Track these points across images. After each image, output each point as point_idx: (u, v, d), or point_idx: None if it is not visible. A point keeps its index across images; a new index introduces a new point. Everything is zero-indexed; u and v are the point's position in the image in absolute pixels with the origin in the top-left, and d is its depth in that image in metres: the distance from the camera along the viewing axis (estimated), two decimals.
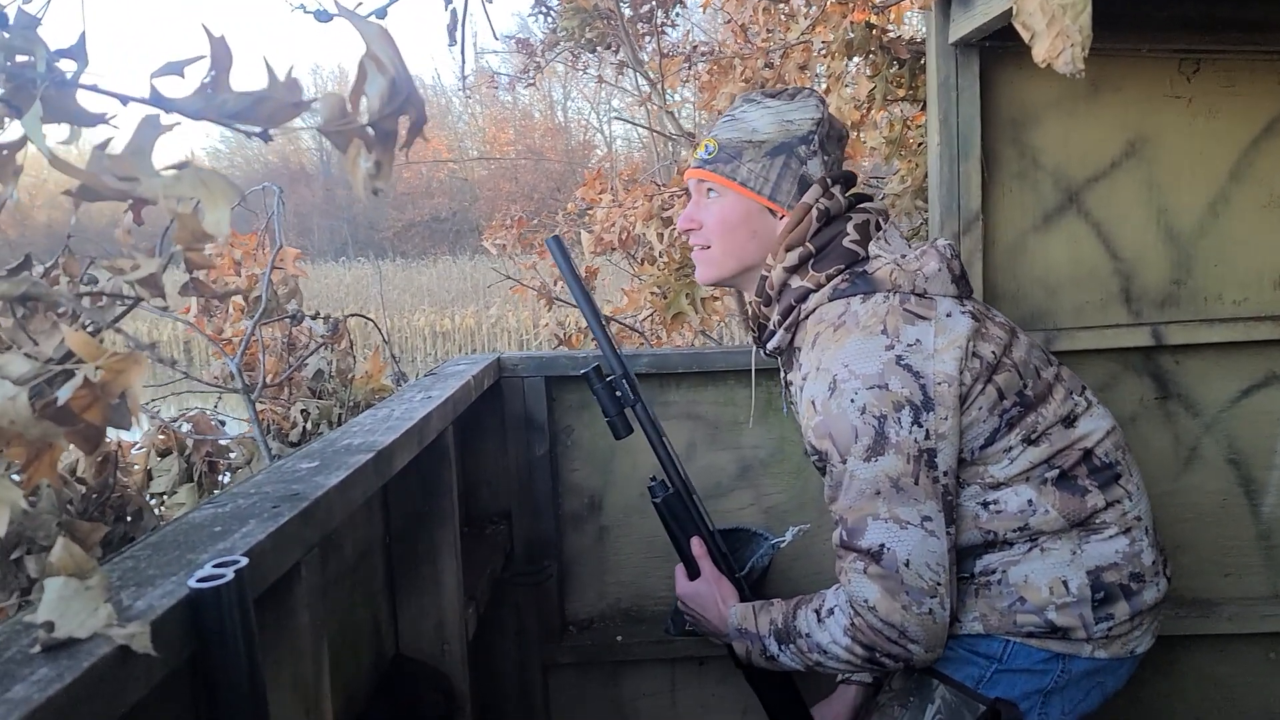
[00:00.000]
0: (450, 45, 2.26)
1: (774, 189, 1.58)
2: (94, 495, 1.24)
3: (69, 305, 0.63)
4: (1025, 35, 1.00)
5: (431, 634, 1.52)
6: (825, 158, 1.60)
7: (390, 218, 30.44)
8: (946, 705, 1.51)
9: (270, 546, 0.85)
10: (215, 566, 0.72)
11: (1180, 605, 2.14)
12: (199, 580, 0.71)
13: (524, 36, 4.51)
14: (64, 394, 0.62)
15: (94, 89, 0.57)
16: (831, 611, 1.49)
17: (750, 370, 2.08)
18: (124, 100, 0.58)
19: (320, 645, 0.98)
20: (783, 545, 1.99)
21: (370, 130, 0.64)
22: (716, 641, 1.76)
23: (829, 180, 1.57)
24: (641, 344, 2.92)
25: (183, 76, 0.64)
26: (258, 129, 0.62)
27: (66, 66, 0.65)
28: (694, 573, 1.76)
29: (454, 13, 2.23)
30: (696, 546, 1.75)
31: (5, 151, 0.59)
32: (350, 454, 1.17)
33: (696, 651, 2.16)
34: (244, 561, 0.73)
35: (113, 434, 1.75)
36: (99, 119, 0.60)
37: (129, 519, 1.32)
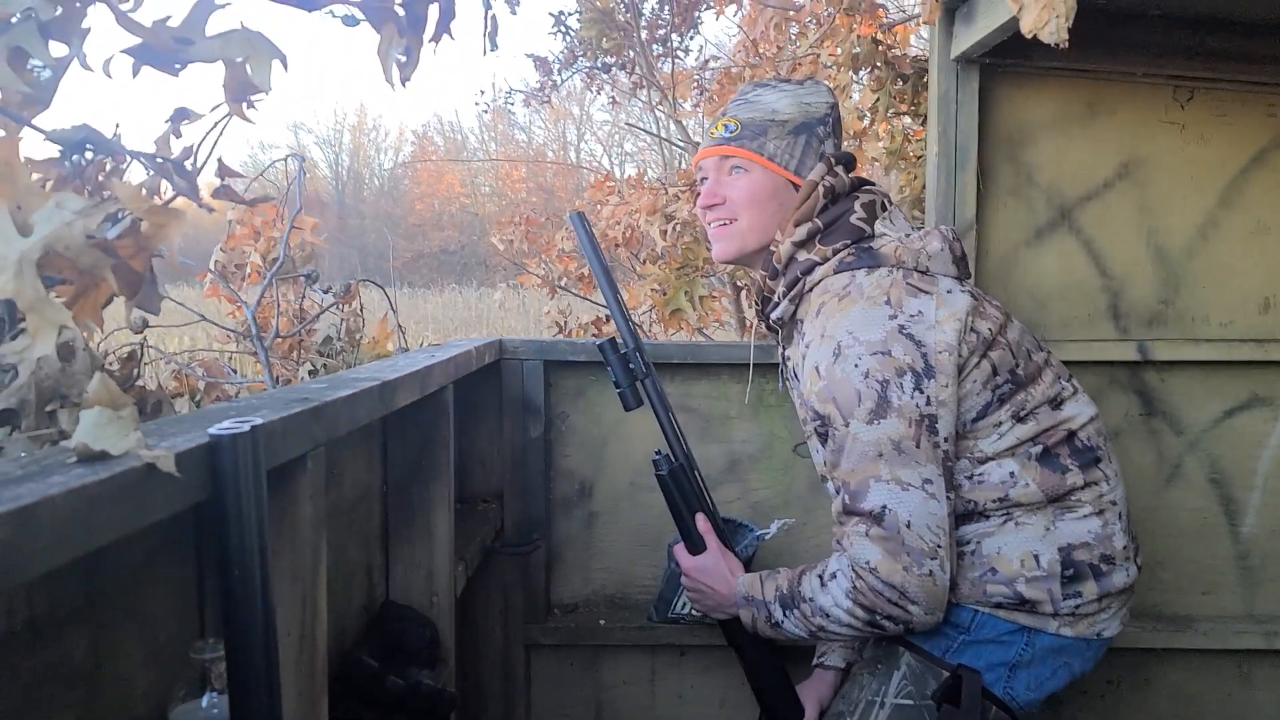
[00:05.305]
0: (493, 50, 2.34)
1: (799, 164, 1.66)
2: (118, 384, 1.28)
3: (122, 153, 0.69)
4: (1014, 8, 1.07)
5: (421, 584, 1.57)
6: (836, 140, 1.69)
7: (400, 248, 30.61)
8: (912, 671, 1.55)
9: (281, 430, 0.90)
10: (234, 422, 0.78)
11: (1157, 620, 2.17)
12: (218, 429, 0.76)
13: (541, 56, 4.65)
14: (112, 232, 0.67)
15: None
16: (835, 575, 1.52)
17: (749, 364, 2.13)
18: None
19: (320, 542, 1.02)
20: (767, 538, 2.03)
21: (401, 11, 0.71)
22: (717, 617, 1.76)
23: (833, 159, 1.65)
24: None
25: None
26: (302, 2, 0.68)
27: None
28: (696, 548, 1.78)
29: (493, 19, 2.32)
30: (701, 522, 1.78)
31: (79, 3, 0.66)
32: (358, 381, 1.23)
33: (678, 640, 2.19)
34: (260, 420, 0.78)
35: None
36: None
37: (149, 410, 1.37)
